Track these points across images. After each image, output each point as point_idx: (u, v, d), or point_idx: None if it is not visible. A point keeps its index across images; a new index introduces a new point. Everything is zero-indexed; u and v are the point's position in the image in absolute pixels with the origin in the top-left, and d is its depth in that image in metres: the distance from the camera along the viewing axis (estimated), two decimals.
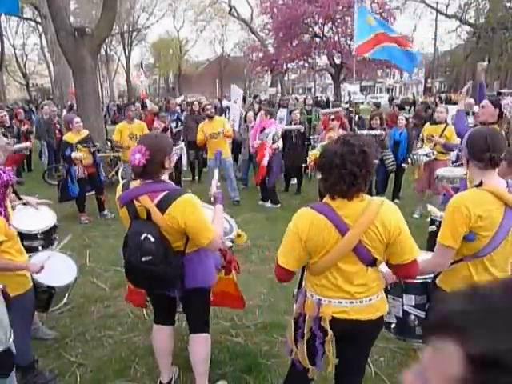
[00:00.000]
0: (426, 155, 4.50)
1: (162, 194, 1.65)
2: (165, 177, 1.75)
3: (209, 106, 5.41)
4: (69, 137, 4.71)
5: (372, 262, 1.43)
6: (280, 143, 5.29)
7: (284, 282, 1.55)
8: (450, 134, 4.46)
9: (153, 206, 1.64)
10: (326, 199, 1.44)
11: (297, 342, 1.52)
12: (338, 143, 1.39)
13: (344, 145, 1.36)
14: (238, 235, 2.25)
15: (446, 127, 4.54)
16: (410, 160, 4.86)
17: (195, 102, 6.92)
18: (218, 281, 2.13)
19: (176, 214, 1.63)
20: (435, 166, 4.52)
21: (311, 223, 1.39)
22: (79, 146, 4.61)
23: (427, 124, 4.88)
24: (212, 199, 1.96)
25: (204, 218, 1.70)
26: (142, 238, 1.62)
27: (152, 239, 1.62)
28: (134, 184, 1.71)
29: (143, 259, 1.62)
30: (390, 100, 14.39)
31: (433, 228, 2.43)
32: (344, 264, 1.41)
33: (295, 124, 5.76)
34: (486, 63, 3.56)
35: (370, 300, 1.46)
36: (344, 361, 1.55)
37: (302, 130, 5.71)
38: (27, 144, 4.27)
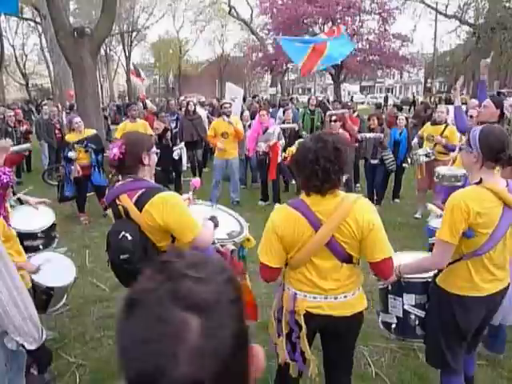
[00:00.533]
0: (426, 155, 4.49)
1: (140, 192, 1.63)
2: (147, 176, 1.71)
3: (227, 105, 5.33)
4: (69, 137, 4.78)
5: (347, 259, 1.45)
6: (283, 141, 5.30)
7: (271, 280, 1.56)
8: (451, 134, 4.46)
9: (131, 204, 1.63)
10: (302, 195, 1.47)
11: (279, 336, 1.56)
12: (312, 140, 1.42)
13: (318, 141, 1.40)
14: (247, 239, 2.19)
15: (446, 127, 4.54)
16: (409, 160, 4.86)
17: (190, 103, 6.90)
18: None
19: (153, 212, 1.59)
20: (436, 166, 4.55)
21: (286, 219, 1.44)
22: (76, 146, 4.64)
23: (427, 124, 4.88)
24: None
25: (185, 216, 1.62)
26: (120, 236, 1.62)
27: (129, 237, 1.60)
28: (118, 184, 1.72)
29: (121, 257, 1.62)
30: (385, 99, 14.40)
31: (433, 240, 2.43)
32: (318, 259, 1.44)
33: (288, 123, 5.76)
34: (489, 59, 3.52)
35: (346, 297, 1.48)
36: (329, 358, 1.58)
37: (297, 128, 5.72)
38: (27, 145, 4.27)
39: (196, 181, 2.17)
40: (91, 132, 4.86)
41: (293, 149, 4.74)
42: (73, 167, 4.63)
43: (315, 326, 1.51)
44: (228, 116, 5.24)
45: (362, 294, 1.55)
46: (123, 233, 1.62)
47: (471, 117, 3.88)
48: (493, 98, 3.15)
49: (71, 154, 4.60)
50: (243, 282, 2.13)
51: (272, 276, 1.54)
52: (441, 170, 3.80)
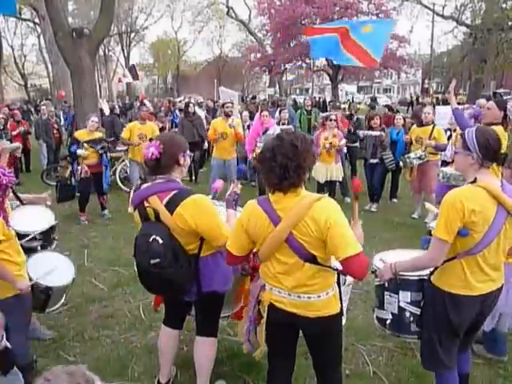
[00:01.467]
0: (419, 158, 4.49)
1: (171, 194, 1.63)
2: (179, 178, 1.73)
3: (229, 105, 5.36)
4: (79, 134, 4.75)
5: (309, 258, 1.44)
6: None
7: (232, 265, 1.70)
8: (439, 135, 4.45)
9: (161, 206, 1.62)
10: (269, 193, 1.51)
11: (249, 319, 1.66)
12: (272, 139, 1.47)
13: (276, 139, 1.45)
14: None
15: (433, 128, 4.51)
16: (401, 163, 4.88)
17: (190, 104, 6.93)
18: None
19: (185, 214, 1.60)
20: (426, 167, 4.54)
21: (251, 213, 1.51)
22: (86, 145, 4.60)
23: (414, 126, 4.86)
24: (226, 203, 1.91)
25: (217, 219, 1.68)
26: (151, 239, 1.58)
27: (160, 241, 1.57)
28: (145, 185, 1.71)
29: (151, 262, 1.58)
30: (373, 100, 14.38)
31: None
32: (281, 255, 1.48)
33: (283, 124, 5.77)
34: (454, 83, 3.53)
35: (309, 298, 1.47)
36: (312, 357, 1.65)
37: (293, 130, 5.73)
38: (16, 144, 4.21)
39: (218, 184, 2.09)
40: (99, 135, 4.87)
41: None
42: (79, 167, 4.59)
43: (281, 321, 1.54)
44: (229, 116, 5.24)
45: (333, 299, 1.51)
46: (154, 236, 1.58)
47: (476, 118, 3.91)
48: (496, 100, 3.17)
49: (80, 152, 4.55)
50: (245, 284, 2.08)
51: (233, 261, 1.64)
52: (446, 169, 3.83)
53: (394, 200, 5.56)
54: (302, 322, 1.50)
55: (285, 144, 1.40)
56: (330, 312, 1.51)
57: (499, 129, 2.92)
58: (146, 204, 1.66)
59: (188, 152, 1.76)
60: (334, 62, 19.15)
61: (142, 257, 1.62)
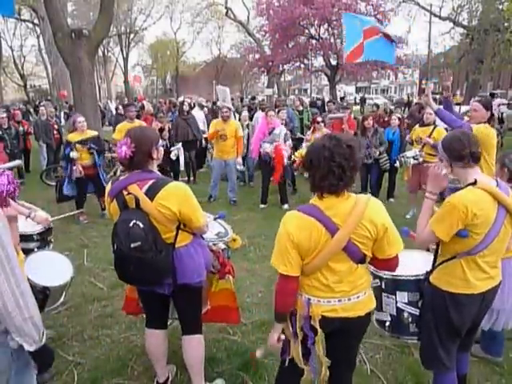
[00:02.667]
0: (414, 158, 4.49)
1: (150, 182, 1.66)
2: (155, 169, 1.75)
3: (225, 109, 5.47)
4: (71, 136, 4.78)
5: (362, 259, 1.46)
6: (290, 142, 5.27)
7: (289, 295, 1.44)
8: (439, 135, 4.43)
9: (141, 193, 1.64)
10: (314, 200, 1.45)
11: (293, 340, 1.53)
12: (324, 139, 1.43)
13: (331, 139, 1.41)
14: (234, 239, 2.26)
15: (434, 128, 4.52)
16: (398, 162, 4.90)
17: (185, 103, 6.92)
18: (216, 294, 2.12)
19: (168, 200, 1.63)
20: (425, 168, 4.49)
21: (301, 226, 1.40)
22: (78, 145, 4.64)
23: (416, 126, 4.88)
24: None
25: (196, 203, 1.73)
26: (131, 224, 1.59)
27: (141, 225, 1.59)
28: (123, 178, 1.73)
29: (132, 245, 1.58)
30: (363, 101, 14.42)
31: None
32: (334, 263, 1.43)
33: (281, 124, 5.80)
34: (431, 84, 3.68)
35: (358, 297, 1.48)
36: (334, 356, 1.56)
37: (286, 130, 5.76)
38: (18, 162, 4.20)
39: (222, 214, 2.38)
40: (93, 133, 4.87)
41: (301, 151, 4.76)
42: (74, 167, 4.63)
43: (331, 330, 1.50)
44: (226, 121, 5.34)
45: (372, 293, 1.56)
46: (134, 221, 1.60)
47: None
48: (481, 100, 3.19)
49: (73, 154, 4.60)
50: (228, 286, 2.13)
51: (292, 286, 1.43)
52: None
53: (391, 200, 5.58)
54: (352, 323, 1.47)
55: (342, 144, 1.37)
56: (374, 303, 1.55)
57: (485, 127, 2.97)
58: (125, 192, 1.67)
59: (160, 142, 1.78)
60: (332, 63, 19.27)
61: (122, 241, 1.62)
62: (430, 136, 4.50)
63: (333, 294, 1.45)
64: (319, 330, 1.47)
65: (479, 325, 1.84)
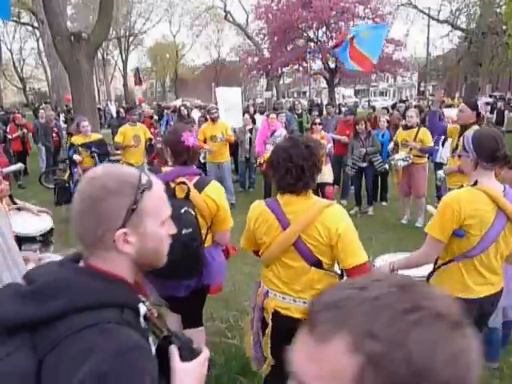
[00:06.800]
0: (403, 160, 4.46)
1: (197, 177, 1.77)
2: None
3: (213, 110, 5.44)
4: (74, 139, 4.83)
5: (316, 262, 1.45)
6: None
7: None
8: (424, 136, 4.40)
9: (191, 185, 1.71)
10: (278, 195, 1.52)
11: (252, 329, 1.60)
12: (284, 141, 1.50)
13: (289, 141, 1.48)
14: None
15: (419, 130, 4.46)
16: (387, 166, 4.89)
17: (182, 108, 6.95)
18: None
19: (212, 195, 1.73)
20: (414, 170, 4.49)
21: (259, 215, 1.52)
22: (80, 148, 4.67)
23: (400, 129, 4.84)
24: None
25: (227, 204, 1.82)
26: (182, 211, 1.59)
27: (193, 213, 1.63)
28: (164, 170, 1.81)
29: (183, 231, 1.56)
30: (355, 106, 14.48)
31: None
32: (287, 259, 1.48)
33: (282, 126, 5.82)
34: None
35: None
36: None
37: (284, 133, 5.77)
38: (19, 165, 4.22)
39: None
40: (97, 137, 4.90)
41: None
42: (75, 170, 4.67)
43: (286, 328, 1.47)
44: (214, 121, 5.29)
45: None
46: (186, 208, 1.62)
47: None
48: (466, 101, 3.22)
49: (76, 157, 4.64)
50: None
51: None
52: (441, 172, 3.85)
53: (384, 203, 5.57)
54: None
55: (299, 145, 1.42)
56: None
57: (454, 127, 2.99)
58: (173, 184, 1.70)
59: None
60: (331, 66, 19.37)
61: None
62: (415, 139, 4.45)
63: (288, 290, 1.49)
64: (270, 324, 1.51)
65: (479, 331, 1.79)
